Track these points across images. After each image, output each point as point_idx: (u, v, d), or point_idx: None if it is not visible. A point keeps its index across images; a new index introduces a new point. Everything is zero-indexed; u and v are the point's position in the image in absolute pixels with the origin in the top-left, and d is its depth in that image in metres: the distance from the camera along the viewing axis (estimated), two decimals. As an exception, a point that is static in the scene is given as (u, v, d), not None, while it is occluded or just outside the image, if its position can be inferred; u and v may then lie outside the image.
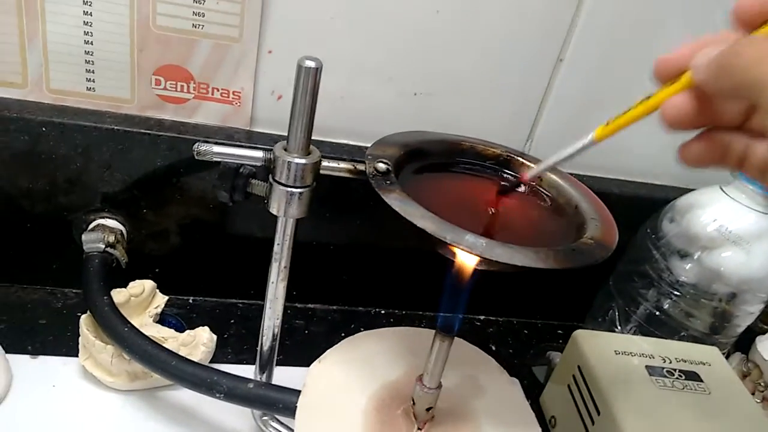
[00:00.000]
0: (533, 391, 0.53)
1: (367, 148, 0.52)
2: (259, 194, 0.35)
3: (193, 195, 0.50)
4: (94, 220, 0.49)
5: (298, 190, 0.34)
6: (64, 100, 0.47)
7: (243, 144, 0.49)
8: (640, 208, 0.55)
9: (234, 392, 0.39)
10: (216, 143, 0.34)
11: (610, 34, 0.52)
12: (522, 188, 0.40)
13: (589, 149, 0.31)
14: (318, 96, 0.32)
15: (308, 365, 0.41)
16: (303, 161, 0.33)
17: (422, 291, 0.60)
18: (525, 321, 0.63)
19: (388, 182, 0.33)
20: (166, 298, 0.50)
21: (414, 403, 0.36)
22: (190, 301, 0.55)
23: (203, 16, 0.45)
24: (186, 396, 0.45)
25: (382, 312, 0.60)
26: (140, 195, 0.49)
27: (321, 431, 0.36)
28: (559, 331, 0.63)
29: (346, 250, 0.56)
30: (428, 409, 0.36)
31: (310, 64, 0.31)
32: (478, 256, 0.30)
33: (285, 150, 0.34)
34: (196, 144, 0.33)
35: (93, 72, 0.46)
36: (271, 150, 0.34)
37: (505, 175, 0.41)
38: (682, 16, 0.52)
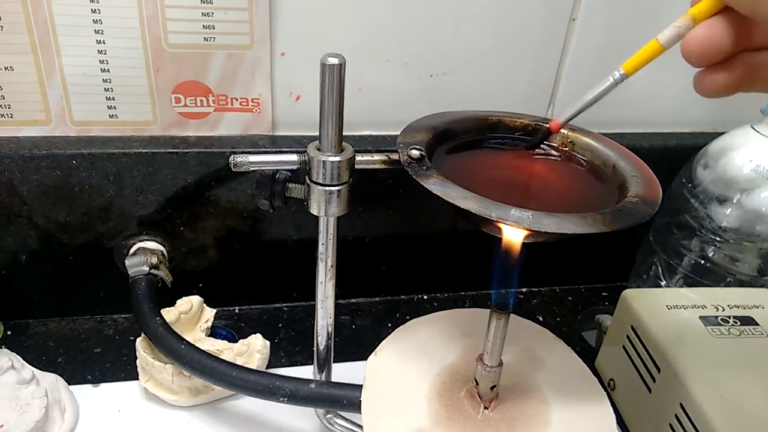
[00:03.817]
0: (587, 356, 0.52)
1: (391, 136, 0.53)
2: (298, 197, 0.35)
3: (225, 206, 0.50)
4: (135, 244, 0.49)
5: (336, 188, 0.34)
6: (89, 130, 0.48)
7: (276, 150, 0.49)
8: (672, 159, 0.54)
9: (297, 394, 0.39)
10: (250, 153, 0.34)
11: (621, -13, 0.51)
12: (556, 154, 0.39)
13: (619, 85, 0.30)
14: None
15: (361, 359, 0.41)
16: (338, 159, 0.33)
17: (461, 272, 0.60)
18: (568, 288, 0.63)
19: (424, 168, 0.33)
20: (214, 311, 0.51)
21: (477, 383, 0.36)
22: (237, 310, 0.56)
23: (213, 28, 0.45)
24: (249, 404, 0.46)
25: (425, 297, 0.60)
26: (175, 213, 0.50)
27: (388, 422, 0.36)
28: (604, 294, 0.62)
29: (382, 241, 0.56)
30: (492, 388, 0.36)
31: (334, 60, 0.31)
32: (526, 229, 0.30)
33: (318, 150, 0.34)
34: (232, 157, 0.34)
35: (113, 99, 0.47)
36: (305, 152, 0.34)
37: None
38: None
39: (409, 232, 0.56)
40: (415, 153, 0.34)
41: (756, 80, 0.27)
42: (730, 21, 0.25)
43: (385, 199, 0.54)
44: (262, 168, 0.34)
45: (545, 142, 0.40)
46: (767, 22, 0.24)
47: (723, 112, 0.59)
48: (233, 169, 0.34)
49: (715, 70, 0.27)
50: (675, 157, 0.55)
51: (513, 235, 0.32)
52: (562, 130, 0.40)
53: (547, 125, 0.35)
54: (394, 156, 0.35)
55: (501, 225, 0.31)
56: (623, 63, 0.29)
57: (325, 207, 0.35)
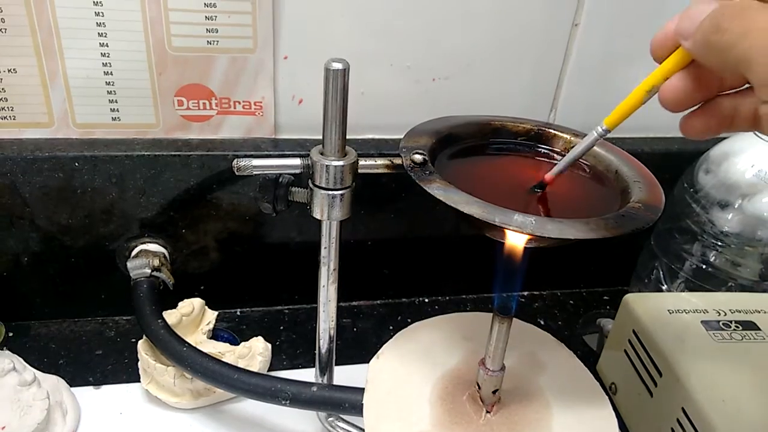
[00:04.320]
0: (588, 360, 0.52)
1: (393, 140, 0.53)
2: (301, 201, 0.35)
3: (227, 209, 0.50)
4: (136, 246, 0.49)
5: (339, 192, 0.34)
6: (91, 133, 0.48)
7: (279, 153, 0.50)
8: (674, 164, 0.54)
9: (299, 397, 0.39)
10: (253, 157, 0.34)
11: (623, -7, 0.51)
12: (559, 159, 0.39)
13: (603, 137, 0.32)
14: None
15: (363, 362, 0.41)
16: (341, 163, 0.33)
17: (463, 275, 0.60)
18: (569, 291, 0.63)
19: (427, 173, 0.33)
20: (216, 313, 0.51)
21: (479, 388, 0.36)
22: (238, 313, 0.56)
23: (216, 31, 0.45)
24: (250, 406, 0.46)
25: (426, 300, 0.60)
26: (177, 216, 0.50)
27: (390, 425, 0.36)
28: (605, 297, 0.63)
29: (384, 244, 0.56)
30: (495, 392, 0.36)
31: (338, 66, 0.31)
32: (529, 234, 0.30)
33: (321, 154, 0.34)
34: (235, 161, 0.34)
35: (116, 102, 0.47)
36: (308, 155, 0.34)
37: (539, 150, 0.40)
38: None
39: (411, 235, 0.56)
40: (418, 158, 0.34)
41: (736, 122, 0.27)
42: (699, 72, 0.26)
43: (388, 203, 0.54)
44: (265, 172, 0.34)
45: (548, 147, 0.41)
46: (734, 73, 0.24)
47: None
48: (236, 173, 0.34)
49: (695, 115, 0.28)
50: (677, 161, 0.55)
51: (516, 240, 0.32)
52: (565, 136, 0.40)
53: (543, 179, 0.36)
54: (397, 160, 0.35)
55: (504, 230, 0.31)
56: (605, 118, 0.32)
57: (328, 211, 0.35)
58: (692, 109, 0.28)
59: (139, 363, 0.46)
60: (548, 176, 0.35)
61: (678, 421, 0.40)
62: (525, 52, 0.52)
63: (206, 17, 0.45)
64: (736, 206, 0.50)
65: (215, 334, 0.51)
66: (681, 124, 0.29)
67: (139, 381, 0.46)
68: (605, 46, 0.53)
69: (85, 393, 0.46)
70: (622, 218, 0.32)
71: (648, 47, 0.29)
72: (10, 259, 0.49)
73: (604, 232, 0.30)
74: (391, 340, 0.42)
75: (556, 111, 0.56)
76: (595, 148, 0.39)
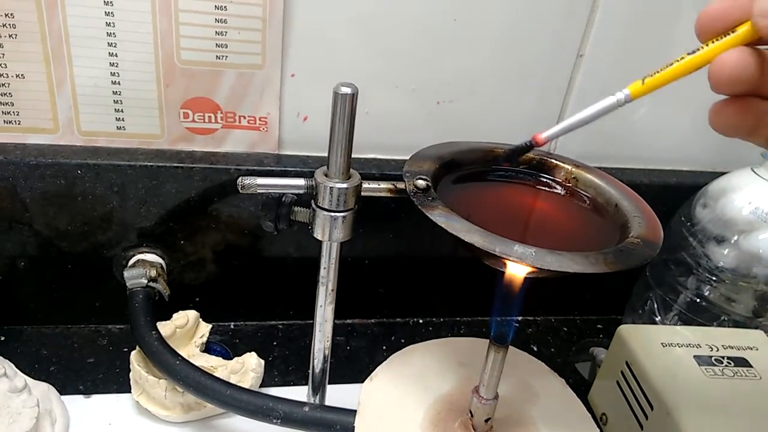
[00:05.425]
0: (579, 389, 0.52)
1: (395, 160, 0.54)
2: (303, 221, 0.36)
3: (227, 222, 0.51)
4: (134, 255, 0.49)
5: (342, 214, 0.34)
6: (95, 141, 0.48)
7: (283, 170, 0.50)
8: (672, 196, 0.55)
9: (291, 417, 0.39)
10: (258, 175, 0.34)
11: (629, 26, 0.52)
12: (560, 189, 0.40)
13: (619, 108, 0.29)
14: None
15: (355, 381, 0.41)
16: (344, 185, 0.34)
17: (458, 297, 0.60)
18: (563, 318, 0.63)
19: (429, 198, 0.34)
20: (210, 326, 0.50)
21: (472, 415, 0.36)
22: (232, 326, 0.56)
23: (226, 47, 0.46)
24: (240, 422, 0.46)
25: (421, 321, 0.60)
26: (176, 227, 0.50)
27: (381, 449, 0.36)
28: (599, 326, 0.63)
29: (381, 264, 0.56)
30: (487, 420, 0.36)
31: (346, 90, 0.31)
32: (529, 266, 0.30)
33: (326, 175, 0.34)
34: (240, 178, 0.34)
35: (122, 111, 0.47)
36: (312, 176, 0.34)
37: (541, 179, 0.41)
38: (698, 5, 0.52)
39: (409, 255, 0.56)
40: (421, 183, 0.34)
41: (761, 128, 0.26)
42: (758, 56, 0.24)
43: (387, 222, 0.54)
44: (269, 191, 0.35)
45: (549, 177, 0.41)
46: None
47: (724, 153, 0.60)
48: (240, 191, 0.34)
49: (726, 105, 0.26)
50: (674, 194, 0.55)
51: (515, 270, 0.32)
52: (567, 166, 0.41)
53: (530, 139, 0.31)
54: (400, 185, 0.35)
55: (504, 260, 0.31)
56: (630, 85, 0.29)
57: (330, 232, 0.35)
58: (724, 100, 0.26)
59: (130, 374, 0.46)
60: (539, 136, 0.30)
61: (668, 456, 0.40)
62: (529, 79, 0.53)
63: (216, 32, 0.45)
64: (732, 242, 0.50)
65: (208, 348, 0.51)
66: (711, 111, 0.26)
67: (129, 392, 0.46)
68: (608, 76, 0.54)
69: (74, 402, 0.46)
70: (621, 253, 0.32)
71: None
72: (6, 263, 0.49)
73: (603, 267, 0.31)
74: (384, 363, 0.42)
75: (557, 140, 0.56)
76: (595, 180, 0.40)
